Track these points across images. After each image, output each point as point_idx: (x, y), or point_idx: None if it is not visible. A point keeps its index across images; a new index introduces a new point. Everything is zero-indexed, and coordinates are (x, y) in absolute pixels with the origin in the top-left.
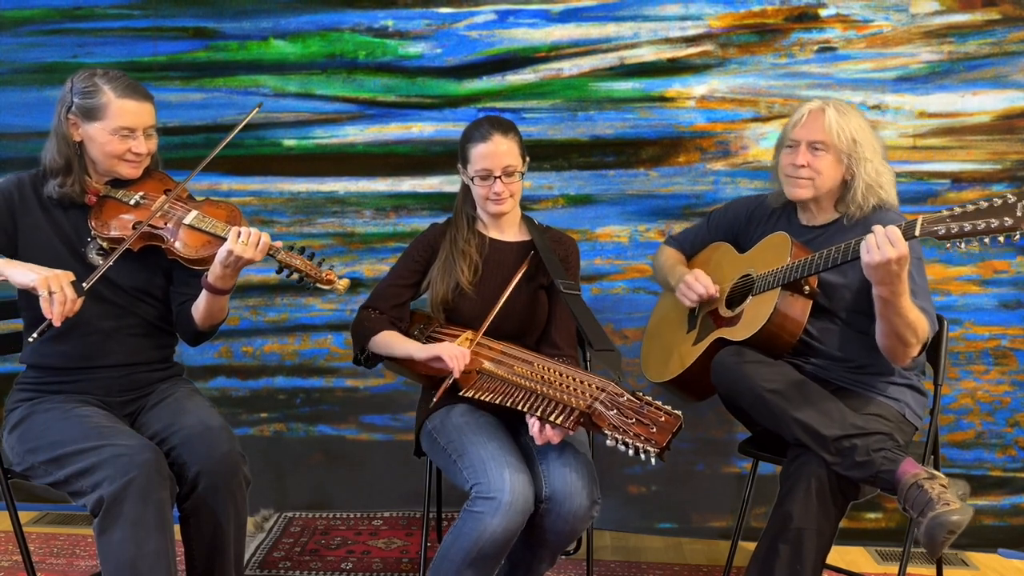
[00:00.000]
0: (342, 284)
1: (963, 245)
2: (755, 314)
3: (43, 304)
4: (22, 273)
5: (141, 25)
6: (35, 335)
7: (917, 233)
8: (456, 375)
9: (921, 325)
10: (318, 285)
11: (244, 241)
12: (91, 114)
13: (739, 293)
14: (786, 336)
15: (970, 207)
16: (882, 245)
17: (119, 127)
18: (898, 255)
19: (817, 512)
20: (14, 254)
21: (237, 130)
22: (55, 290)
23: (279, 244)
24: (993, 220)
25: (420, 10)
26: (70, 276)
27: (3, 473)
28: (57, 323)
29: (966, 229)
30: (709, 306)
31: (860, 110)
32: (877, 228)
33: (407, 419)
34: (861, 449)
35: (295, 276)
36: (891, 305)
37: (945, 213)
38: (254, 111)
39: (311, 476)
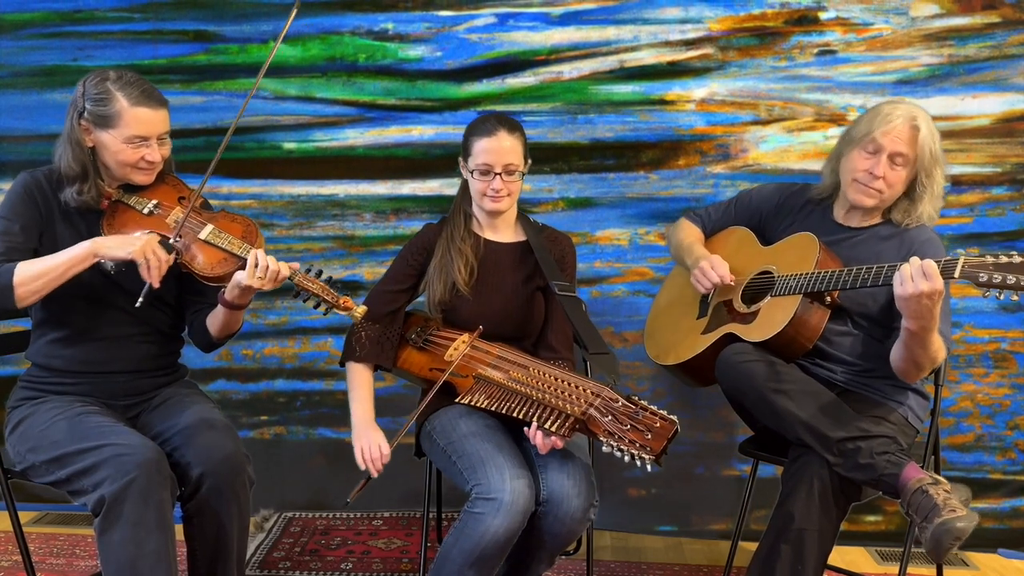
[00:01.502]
0: (359, 311)
1: (1000, 295)
2: (772, 317)
3: (142, 271)
4: (118, 248)
5: (141, 28)
6: (140, 300)
7: (957, 275)
8: (374, 475)
9: (941, 355)
10: (334, 311)
11: (261, 276)
12: (103, 121)
13: (756, 289)
14: (801, 341)
15: (1017, 258)
16: (916, 278)
17: (132, 136)
18: (931, 289)
19: (819, 513)
20: (34, 249)
21: (267, 62)
22: (150, 256)
23: (296, 266)
24: None
25: (420, 13)
26: (156, 238)
27: (3, 473)
28: (156, 284)
29: (1009, 282)
30: (723, 295)
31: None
32: (914, 260)
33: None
34: (864, 451)
35: (311, 301)
36: (918, 338)
37: (989, 259)
38: (293, 13)
39: (311, 476)
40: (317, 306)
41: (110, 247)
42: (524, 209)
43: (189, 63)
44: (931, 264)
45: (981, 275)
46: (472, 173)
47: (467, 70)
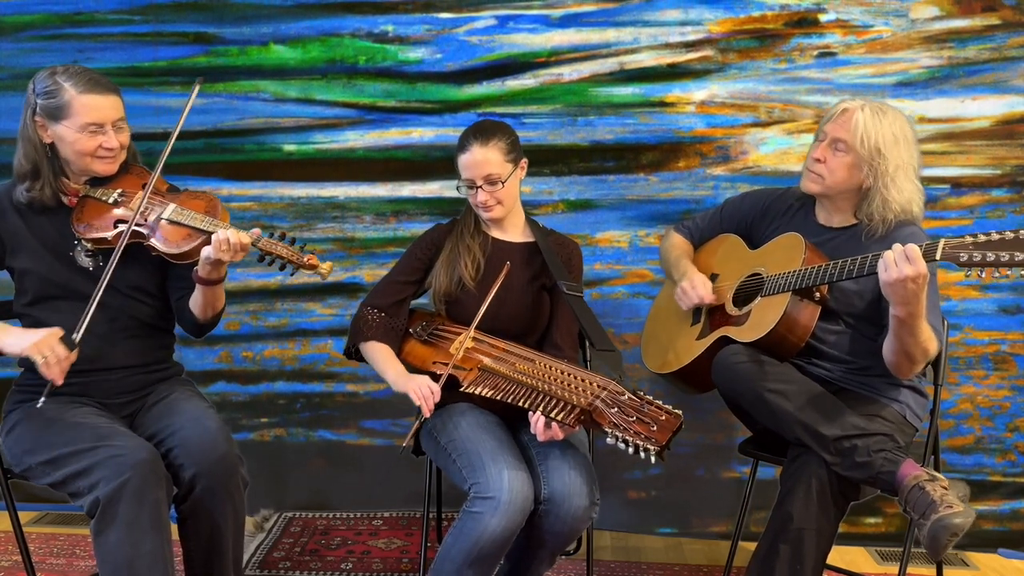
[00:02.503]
0: (325, 267)
1: (983, 274)
2: (763, 316)
3: (41, 369)
4: (12, 343)
5: (142, 30)
6: (42, 400)
7: (938, 256)
8: (427, 415)
9: (932, 345)
10: (301, 270)
11: (226, 250)
12: (56, 114)
13: (747, 292)
14: (793, 339)
15: (995, 236)
16: (899, 262)
17: (86, 123)
18: (915, 273)
19: (817, 512)
20: (8, 267)
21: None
22: (47, 354)
23: (258, 231)
24: (1018, 253)
25: (420, 15)
26: (58, 333)
27: (3, 473)
28: (59, 382)
29: (989, 259)
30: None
31: (906, 120)
32: (896, 246)
33: (407, 424)
34: (862, 450)
35: (277, 263)
36: (906, 325)
37: (968, 239)
38: (196, 88)
39: (311, 479)
40: (283, 268)
41: (6, 342)
42: (524, 211)
43: (189, 65)
44: (913, 248)
45: (962, 255)
46: (459, 188)
47: (467, 72)
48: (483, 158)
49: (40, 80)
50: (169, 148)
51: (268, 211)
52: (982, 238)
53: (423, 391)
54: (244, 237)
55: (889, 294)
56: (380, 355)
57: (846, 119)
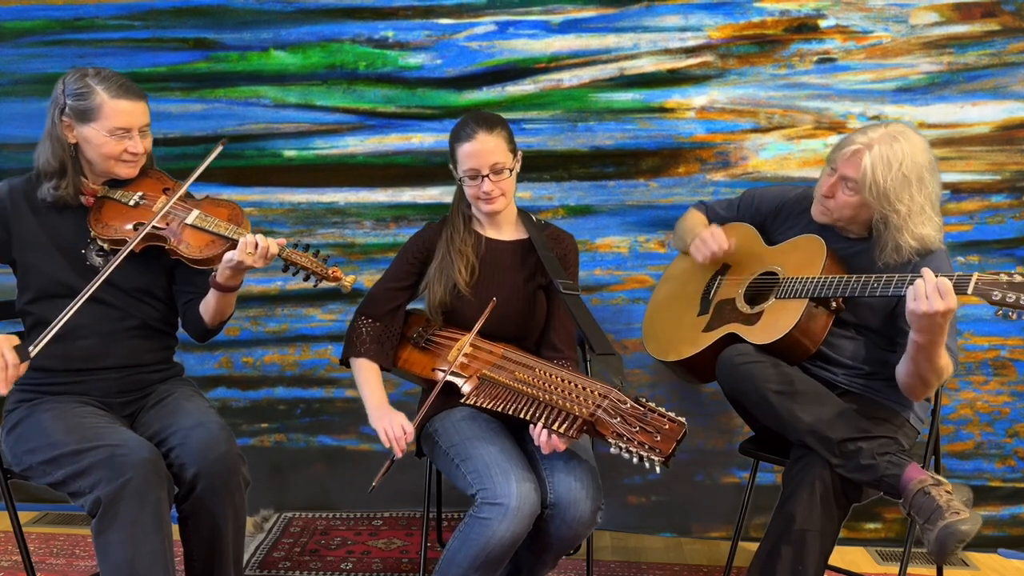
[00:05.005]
0: (348, 280)
1: (1012, 314)
2: (777, 320)
3: None
4: None
5: (142, 36)
6: None
7: (969, 291)
8: (399, 455)
9: (948, 370)
10: (324, 282)
11: (252, 252)
12: (85, 116)
13: (760, 289)
14: (806, 344)
15: None
16: (931, 296)
17: (115, 128)
18: (946, 308)
19: (820, 514)
20: (11, 261)
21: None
22: None
23: (283, 241)
24: None
25: (420, 21)
26: (12, 341)
27: (3, 473)
28: (3, 391)
29: (1023, 301)
30: (725, 293)
31: (921, 149)
32: (928, 275)
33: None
34: (866, 452)
35: (301, 274)
36: (925, 351)
37: (1003, 277)
38: (218, 148)
39: (311, 483)
40: (307, 279)
41: None
42: (520, 206)
43: (189, 71)
44: (946, 282)
45: (994, 293)
46: (462, 180)
47: (467, 78)
48: (491, 146)
49: (71, 81)
50: (205, 166)
51: (268, 216)
52: (1018, 278)
53: (394, 432)
54: (272, 245)
55: (913, 322)
56: (365, 378)
57: (857, 159)
